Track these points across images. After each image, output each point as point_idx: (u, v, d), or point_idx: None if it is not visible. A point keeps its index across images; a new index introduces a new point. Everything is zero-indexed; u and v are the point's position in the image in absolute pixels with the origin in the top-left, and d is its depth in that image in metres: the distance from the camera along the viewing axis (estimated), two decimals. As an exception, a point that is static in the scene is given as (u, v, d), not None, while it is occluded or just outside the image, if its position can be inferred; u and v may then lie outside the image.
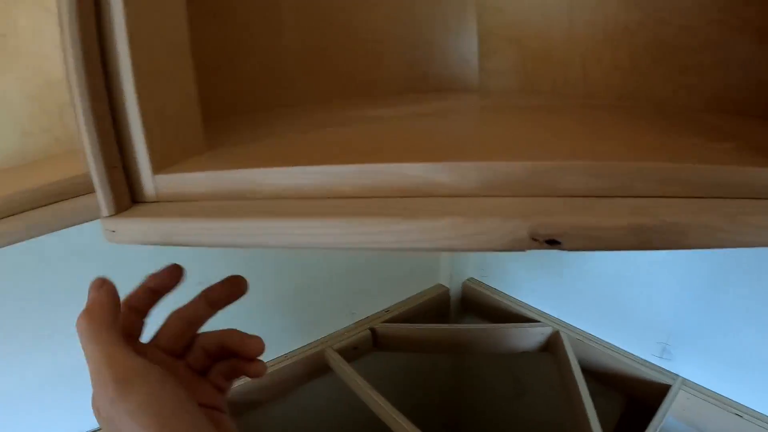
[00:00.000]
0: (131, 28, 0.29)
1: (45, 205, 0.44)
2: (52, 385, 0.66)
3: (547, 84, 0.56)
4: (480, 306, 1.00)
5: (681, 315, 0.75)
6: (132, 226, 0.31)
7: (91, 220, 0.43)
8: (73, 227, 0.44)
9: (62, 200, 0.44)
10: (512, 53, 0.58)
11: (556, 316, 0.91)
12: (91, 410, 0.29)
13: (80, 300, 0.32)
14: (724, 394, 0.71)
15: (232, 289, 0.35)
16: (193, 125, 0.36)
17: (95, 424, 0.65)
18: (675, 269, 0.73)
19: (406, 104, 0.53)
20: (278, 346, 0.86)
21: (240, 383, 0.80)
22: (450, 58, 0.60)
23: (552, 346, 0.89)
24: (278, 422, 0.88)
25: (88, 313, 0.29)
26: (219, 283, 0.35)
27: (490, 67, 0.60)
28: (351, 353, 0.87)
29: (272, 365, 0.84)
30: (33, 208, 0.43)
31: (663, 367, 0.78)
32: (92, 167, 0.31)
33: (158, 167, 0.32)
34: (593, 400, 0.73)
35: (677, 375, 0.76)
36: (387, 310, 0.94)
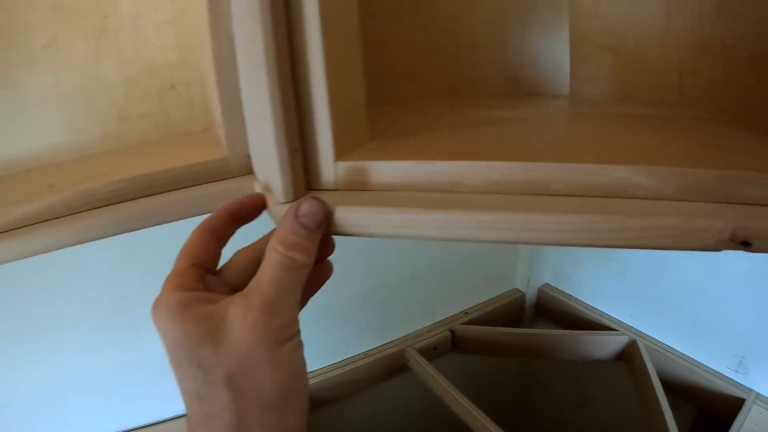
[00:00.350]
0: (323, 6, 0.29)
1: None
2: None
3: (642, 94, 0.56)
4: (554, 312, 1.01)
5: (760, 329, 0.74)
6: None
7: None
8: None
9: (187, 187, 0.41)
10: (607, 60, 0.58)
11: (631, 325, 0.91)
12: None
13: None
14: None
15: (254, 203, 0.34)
16: (363, 113, 0.35)
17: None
18: (755, 282, 0.73)
19: (524, 107, 0.54)
20: (360, 343, 0.87)
21: (316, 380, 0.82)
22: (542, 63, 0.61)
23: (627, 355, 0.88)
24: (353, 420, 0.90)
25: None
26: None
27: (583, 74, 0.59)
28: (431, 353, 0.88)
29: (351, 362, 0.85)
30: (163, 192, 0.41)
31: (738, 381, 0.78)
32: (275, 150, 0.30)
33: (339, 154, 0.32)
34: (666, 411, 0.73)
35: (752, 389, 0.76)
36: (465, 312, 0.95)
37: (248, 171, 0.41)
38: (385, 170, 0.31)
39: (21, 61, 0.47)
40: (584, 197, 0.27)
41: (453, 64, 0.60)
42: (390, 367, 0.88)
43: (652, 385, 0.78)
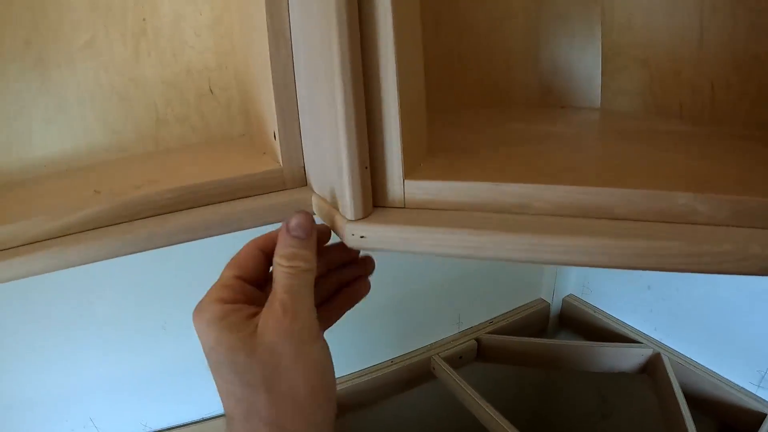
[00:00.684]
0: (396, 21, 0.29)
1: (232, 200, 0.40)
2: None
3: (674, 107, 0.55)
4: (578, 322, 1.01)
5: (783, 344, 0.75)
6: (387, 233, 0.31)
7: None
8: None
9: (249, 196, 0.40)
10: (639, 74, 0.57)
11: (655, 338, 0.91)
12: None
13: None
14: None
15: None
16: (424, 126, 0.35)
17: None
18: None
19: (562, 121, 0.54)
20: (386, 350, 0.88)
21: (342, 385, 0.83)
22: (574, 74, 0.61)
23: (651, 368, 0.89)
24: (379, 426, 0.90)
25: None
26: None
27: (615, 87, 0.59)
28: (457, 362, 0.89)
29: (378, 369, 0.86)
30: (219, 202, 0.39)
31: (760, 395, 0.78)
32: (346, 167, 0.30)
33: (408, 171, 0.32)
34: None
35: (773, 405, 0.76)
36: (491, 321, 0.96)
37: (302, 183, 0.41)
38: (453, 190, 0.32)
39: (60, 60, 0.47)
40: (645, 222, 0.29)
41: (488, 74, 0.61)
42: (416, 374, 0.89)
43: (676, 399, 0.78)
